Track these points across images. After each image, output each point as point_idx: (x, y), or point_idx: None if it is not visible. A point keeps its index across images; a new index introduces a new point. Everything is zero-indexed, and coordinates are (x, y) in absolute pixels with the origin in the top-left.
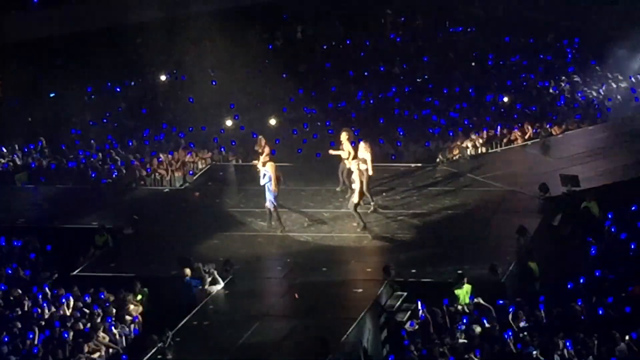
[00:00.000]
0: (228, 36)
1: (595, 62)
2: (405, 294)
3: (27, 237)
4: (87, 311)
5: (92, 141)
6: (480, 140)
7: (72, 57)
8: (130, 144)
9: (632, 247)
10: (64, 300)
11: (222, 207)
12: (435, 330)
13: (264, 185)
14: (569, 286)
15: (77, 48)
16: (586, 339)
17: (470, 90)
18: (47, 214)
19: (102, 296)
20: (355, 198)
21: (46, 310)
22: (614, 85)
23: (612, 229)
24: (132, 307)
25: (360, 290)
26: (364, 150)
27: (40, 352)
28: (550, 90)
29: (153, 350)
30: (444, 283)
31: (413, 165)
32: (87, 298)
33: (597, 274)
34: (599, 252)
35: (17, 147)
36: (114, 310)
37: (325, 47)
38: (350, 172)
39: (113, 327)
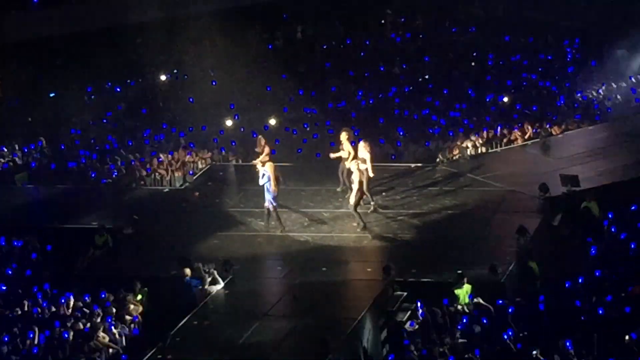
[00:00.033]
0: (228, 36)
1: (595, 62)
2: (405, 294)
3: (27, 237)
4: (87, 311)
5: (92, 141)
6: (480, 140)
7: (72, 57)
8: (130, 143)
9: (632, 247)
10: (63, 300)
11: (222, 207)
12: (435, 330)
13: (263, 185)
14: (568, 286)
15: (77, 48)
16: (586, 339)
17: (470, 91)
18: (47, 214)
19: (102, 296)
20: (354, 198)
21: (46, 310)
22: (614, 85)
23: (612, 229)
24: (132, 307)
25: (360, 290)
26: (363, 150)
27: (40, 352)
28: (550, 90)
29: (153, 350)
30: (444, 283)
31: (413, 165)
32: (87, 298)
33: (597, 273)
34: (599, 252)
35: (17, 147)
36: (114, 310)
37: (325, 47)
38: (350, 172)
39: (113, 327)
